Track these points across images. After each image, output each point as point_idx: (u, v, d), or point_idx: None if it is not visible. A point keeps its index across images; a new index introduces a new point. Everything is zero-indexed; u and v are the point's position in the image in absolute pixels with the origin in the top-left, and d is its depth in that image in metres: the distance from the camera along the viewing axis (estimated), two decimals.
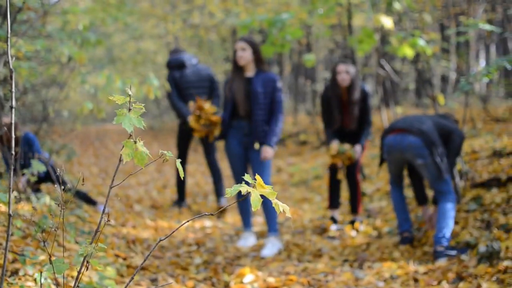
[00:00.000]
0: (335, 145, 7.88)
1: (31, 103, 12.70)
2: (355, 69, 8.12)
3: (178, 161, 2.55)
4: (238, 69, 7.37)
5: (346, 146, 7.87)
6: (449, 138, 6.84)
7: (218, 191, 9.59)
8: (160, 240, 2.66)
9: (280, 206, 2.40)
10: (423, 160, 6.64)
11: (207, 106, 7.58)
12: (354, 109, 8.01)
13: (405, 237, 6.97)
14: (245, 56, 7.23)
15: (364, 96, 8.12)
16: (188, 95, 9.32)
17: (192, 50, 25.28)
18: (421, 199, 7.34)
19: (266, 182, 6.88)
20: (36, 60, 9.26)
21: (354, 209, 8.28)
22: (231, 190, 2.36)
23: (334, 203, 8.30)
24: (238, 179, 7.46)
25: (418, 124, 6.72)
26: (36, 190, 8.20)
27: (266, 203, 7.02)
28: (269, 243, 7.09)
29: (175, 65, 9.55)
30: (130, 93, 2.32)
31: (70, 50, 7.93)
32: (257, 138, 7.23)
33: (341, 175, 8.17)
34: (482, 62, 22.15)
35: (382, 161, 7.31)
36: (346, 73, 7.96)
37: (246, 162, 7.47)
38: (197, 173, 14.40)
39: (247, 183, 2.47)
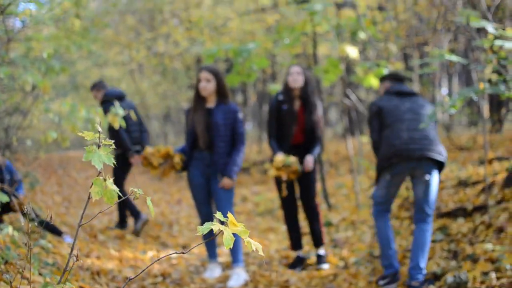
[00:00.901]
0: (280, 156, 7.43)
1: None
2: (311, 77, 7.82)
3: (149, 198, 2.50)
4: (199, 99, 7.27)
5: (292, 159, 7.40)
6: None
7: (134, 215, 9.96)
8: (130, 280, 2.61)
9: (253, 245, 2.36)
10: (430, 176, 6.53)
11: (148, 150, 7.45)
12: (306, 118, 7.71)
13: (395, 276, 6.51)
14: (209, 87, 7.12)
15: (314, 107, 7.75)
16: (127, 126, 9.34)
17: (156, 78, 25.27)
18: None
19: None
20: None
21: (317, 241, 7.89)
22: (202, 228, 2.32)
23: (296, 243, 7.93)
24: (201, 210, 7.39)
25: (429, 144, 6.48)
26: None
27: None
28: (234, 275, 7.01)
29: (114, 98, 9.48)
30: (99, 129, 2.28)
31: (34, 78, 7.84)
32: (219, 170, 7.15)
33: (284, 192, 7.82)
34: (445, 91, 22.35)
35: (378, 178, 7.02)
36: (297, 73, 7.64)
37: (209, 192, 7.37)
38: (162, 202, 14.30)
39: (216, 219, 2.43)
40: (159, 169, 7.30)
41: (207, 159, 7.22)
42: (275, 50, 14.18)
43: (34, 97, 9.78)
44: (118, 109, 7.83)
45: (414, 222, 6.65)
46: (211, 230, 2.43)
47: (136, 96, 27.70)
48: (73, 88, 28.98)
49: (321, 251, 7.85)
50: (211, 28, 18.21)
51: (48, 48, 10.09)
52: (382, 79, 7.23)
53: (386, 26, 12.03)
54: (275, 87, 10.19)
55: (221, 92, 7.21)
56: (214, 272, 7.38)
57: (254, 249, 2.40)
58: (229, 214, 2.37)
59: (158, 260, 2.49)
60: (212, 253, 7.52)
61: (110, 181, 2.22)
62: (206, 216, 7.34)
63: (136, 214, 9.90)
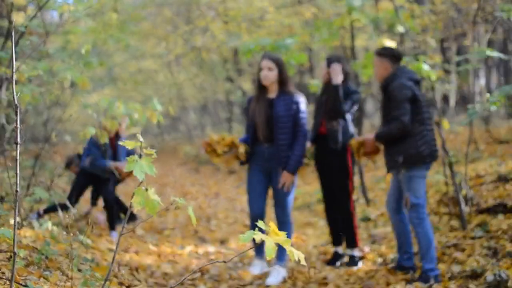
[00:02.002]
0: None
1: (33, 124, 12.63)
2: (341, 67, 7.46)
3: (190, 208, 2.50)
4: (261, 88, 7.04)
5: (308, 145, 7.19)
6: None
7: (110, 224, 9.33)
8: None
9: (295, 254, 2.34)
10: None
11: (213, 137, 7.17)
12: (332, 110, 7.42)
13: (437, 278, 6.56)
14: (271, 76, 6.88)
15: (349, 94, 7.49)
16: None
17: (193, 70, 25.31)
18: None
19: (287, 211, 6.69)
20: (37, 81, 9.22)
21: (348, 242, 7.68)
22: (244, 236, 2.31)
23: (337, 239, 7.79)
24: (252, 208, 7.16)
25: None
26: (40, 215, 8.23)
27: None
28: (274, 271, 6.93)
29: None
30: (141, 139, 2.27)
31: (73, 74, 7.89)
32: (281, 164, 6.89)
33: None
34: (483, 81, 22.13)
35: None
36: (326, 68, 7.54)
37: (266, 189, 7.15)
38: (200, 195, 14.32)
39: (261, 230, 2.40)
40: (223, 157, 6.98)
41: (267, 153, 6.97)
42: (313, 45, 14.13)
43: (72, 90, 9.85)
44: (156, 105, 7.85)
45: (399, 212, 6.99)
46: (260, 229, 2.40)
47: (173, 87, 27.80)
48: (110, 80, 29.13)
49: (354, 252, 7.62)
50: (248, 21, 18.17)
51: (86, 43, 10.13)
52: (381, 54, 6.88)
53: (425, 19, 11.93)
54: (315, 83, 10.10)
55: (284, 81, 6.96)
56: (258, 268, 7.27)
57: (297, 259, 2.38)
58: (271, 223, 2.35)
59: (213, 262, 2.48)
60: (258, 250, 7.40)
61: (151, 191, 2.22)
62: (255, 217, 7.19)
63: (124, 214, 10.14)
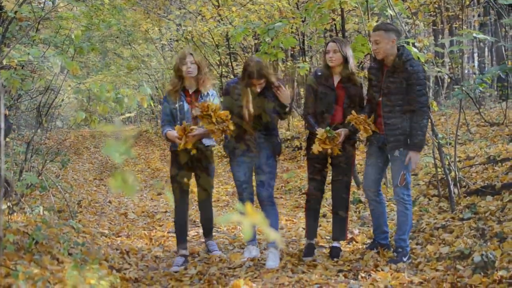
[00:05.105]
0: (321, 130, 6.80)
1: (26, 108, 12.63)
2: (350, 51, 7.13)
3: (169, 191, 2.51)
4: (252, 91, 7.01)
5: (333, 132, 6.82)
6: None
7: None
8: None
9: (272, 235, 2.36)
10: None
11: (212, 105, 6.95)
12: (345, 98, 7.10)
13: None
14: (263, 85, 6.94)
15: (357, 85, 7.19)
16: None
17: None
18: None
19: (272, 192, 6.78)
20: (29, 66, 9.23)
21: (338, 234, 7.36)
22: (222, 218, 2.33)
23: (313, 232, 7.40)
24: (242, 198, 7.19)
25: None
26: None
27: (270, 216, 6.96)
28: (271, 254, 6.90)
29: None
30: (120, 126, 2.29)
31: (63, 60, 7.88)
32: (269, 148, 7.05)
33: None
34: (475, 63, 22.19)
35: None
36: (334, 51, 6.99)
37: (251, 177, 7.21)
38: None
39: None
40: (213, 126, 6.74)
41: (256, 141, 7.04)
42: (303, 28, 14.09)
43: (64, 76, 9.87)
44: (146, 89, 7.85)
45: (379, 194, 7.16)
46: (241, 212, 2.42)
47: (167, 72, 27.80)
48: (104, 65, 29.13)
49: (337, 243, 7.33)
50: (239, 5, 18.14)
51: (77, 28, 10.13)
52: (388, 29, 6.66)
53: (414, 2, 11.94)
54: (304, 66, 10.12)
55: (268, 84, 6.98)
56: (252, 252, 7.28)
57: (273, 240, 2.40)
58: (248, 204, 2.37)
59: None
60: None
61: (129, 173, 2.24)
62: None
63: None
